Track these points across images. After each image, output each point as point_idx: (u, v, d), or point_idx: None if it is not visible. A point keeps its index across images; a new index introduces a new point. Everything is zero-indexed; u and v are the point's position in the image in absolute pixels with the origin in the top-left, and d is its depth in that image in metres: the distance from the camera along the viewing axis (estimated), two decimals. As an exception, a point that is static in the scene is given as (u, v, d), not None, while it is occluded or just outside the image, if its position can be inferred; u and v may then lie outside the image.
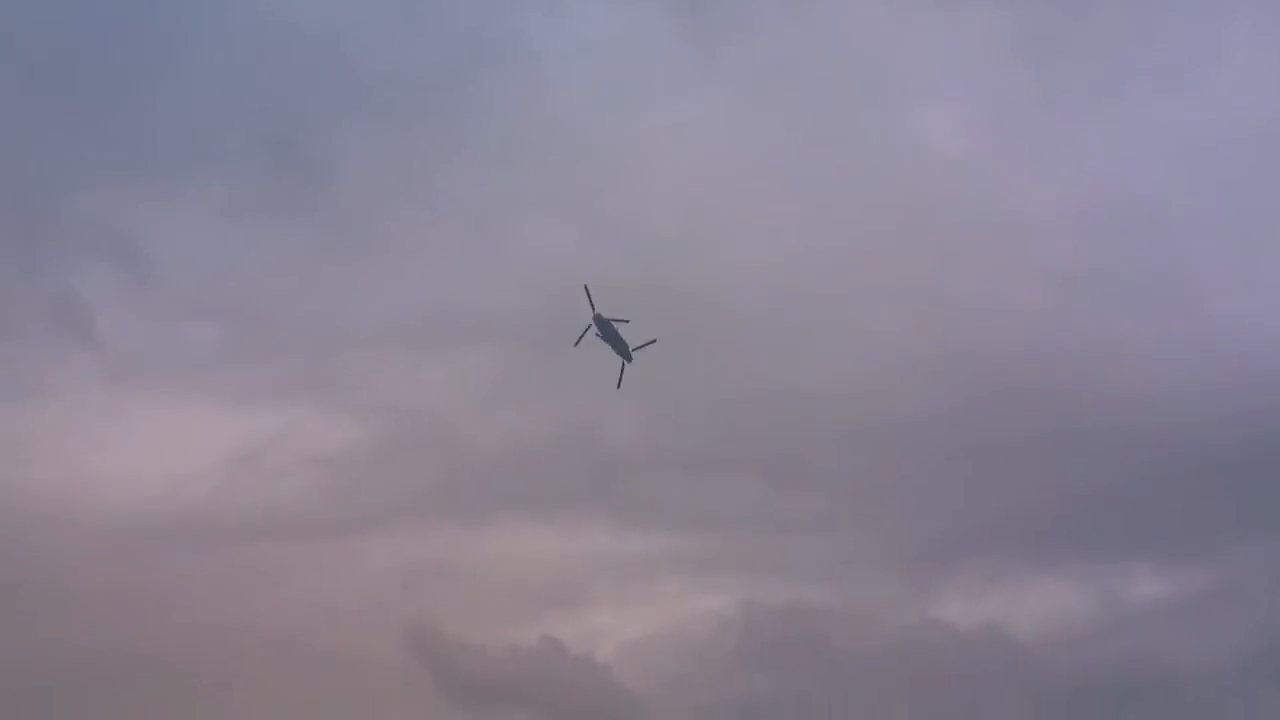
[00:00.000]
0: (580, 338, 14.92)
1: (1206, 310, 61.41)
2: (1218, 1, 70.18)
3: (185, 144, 64.61)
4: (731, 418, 61.92)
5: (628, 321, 17.69)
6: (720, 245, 62.72)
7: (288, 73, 65.63)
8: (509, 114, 63.62)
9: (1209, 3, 70.88)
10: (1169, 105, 64.90)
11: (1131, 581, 60.62)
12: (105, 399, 63.67)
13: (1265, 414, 56.94)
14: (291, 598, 60.55)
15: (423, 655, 55.98)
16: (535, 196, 62.29)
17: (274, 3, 66.68)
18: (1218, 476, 57.61)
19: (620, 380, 13.73)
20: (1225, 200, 65.42)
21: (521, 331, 59.77)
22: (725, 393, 61.68)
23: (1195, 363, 59.69)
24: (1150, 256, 62.53)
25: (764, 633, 61.50)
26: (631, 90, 64.95)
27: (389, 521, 61.09)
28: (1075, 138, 65.82)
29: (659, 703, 60.17)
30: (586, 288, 17.50)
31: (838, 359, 62.34)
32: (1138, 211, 62.59)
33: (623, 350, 15.71)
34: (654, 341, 15.04)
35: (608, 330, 14.91)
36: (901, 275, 63.24)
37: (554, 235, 62.11)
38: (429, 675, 57.71)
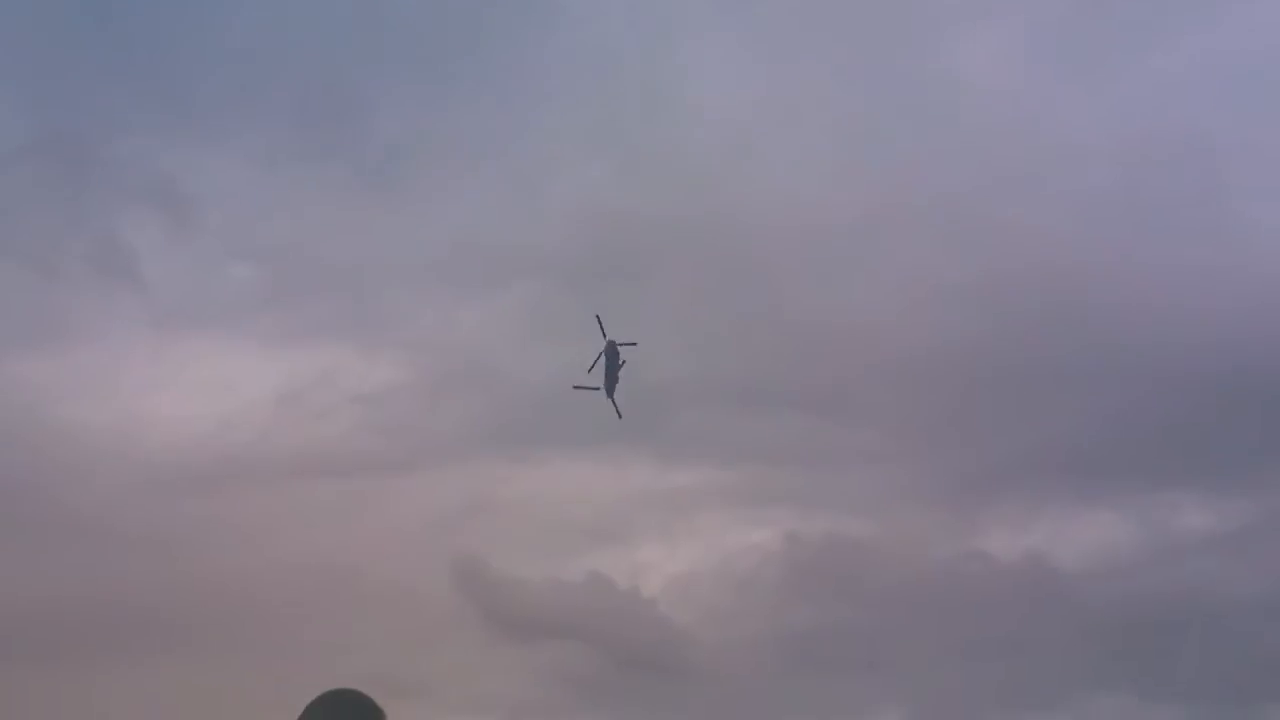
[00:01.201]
0: (593, 365, 14.64)
1: (1251, 236, 60.86)
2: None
3: (225, 87, 64.77)
4: (772, 350, 61.99)
5: (635, 344, 17.34)
6: (758, 176, 62.48)
7: (324, 15, 65.57)
8: (542, 48, 63.41)
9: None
10: (1213, 32, 63.95)
11: (1178, 512, 60.52)
12: (151, 342, 64.43)
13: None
14: (338, 536, 61.39)
15: (470, 591, 56.69)
16: (570, 131, 62.21)
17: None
18: (1266, 406, 57.37)
19: (615, 404, 13.39)
20: (1270, 126, 64.59)
21: (560, 266, 59.94)
22: (766, 325, 61.73)
23: (1241, 290, 59.22)
24: (1192, 182, 61.87)
25: (807, 565, 61.92)
26: (666, 21, 64.53)
27: (433, 459, 61.70)
28: (1116, 63, 65.02)
29: (704, 635, 60.79)
30: (599, 317, 17.35)
31: (878, 289, 62.22)
32: (1179, 137, 61.84)
33: (612, 383, 15.38)
34: (634, 344, 14.82)
35: (613, 359, 14.67)
36: (942, 204, 62.89)
37: (590, 170, 62.13)
38: (476, 610, 58.48)
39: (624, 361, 12.36)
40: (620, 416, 12.43)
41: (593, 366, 12.45)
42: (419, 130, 63.74)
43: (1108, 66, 64.60)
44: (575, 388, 12.49)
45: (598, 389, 12.58)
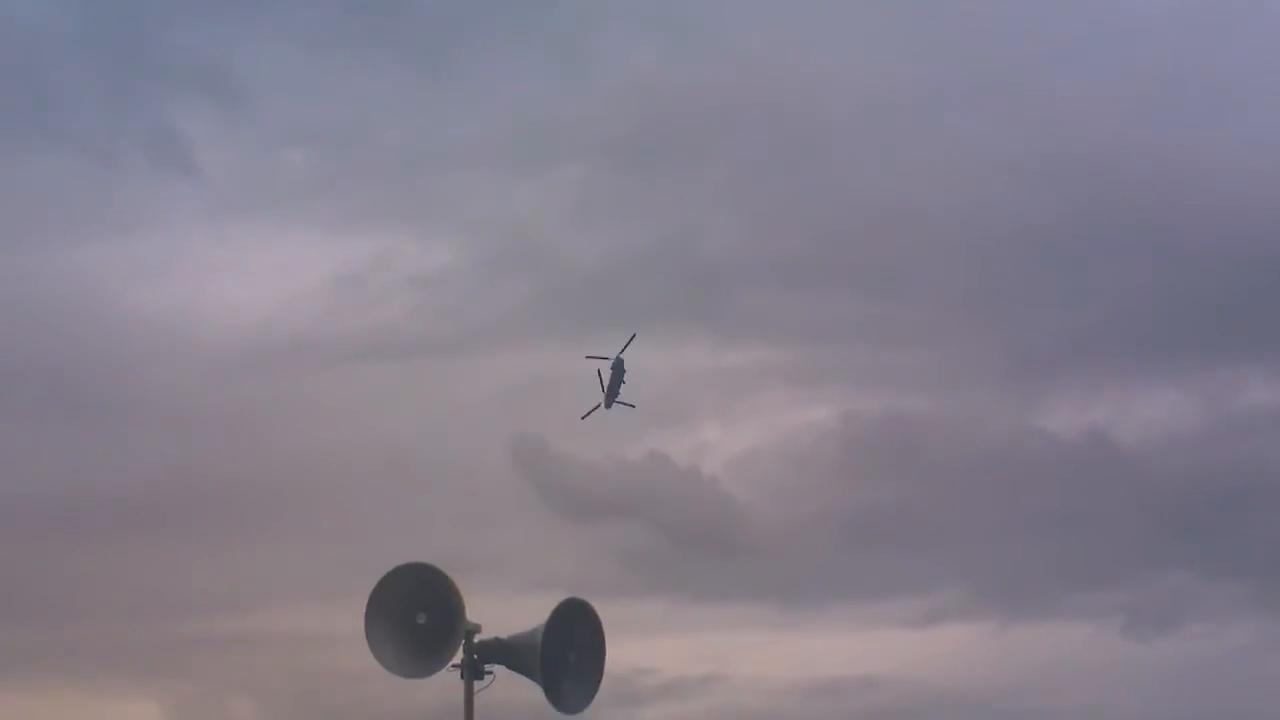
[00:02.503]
0: (605, 383, 14.46)
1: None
2: None
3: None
4: (828, 228, 61.63)
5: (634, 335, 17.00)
6: (808, 52, 61.65)
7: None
8: (594, -77, 62.56)
9: None
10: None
11: (1242, 388, 59.98)
12: (208, 228, 64.92)
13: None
14: (398, 418, 62.07)
15: (529, 471, 57.28)
16: (618, 10, 61.55)
17: None
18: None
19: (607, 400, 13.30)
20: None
21: (610, 146, 59.63)
22: (819, 203, 61.31)
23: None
24: (1258, 55, 60.59)
25: (865, 443, 62.00)
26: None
27: (490, 340, 62.07)
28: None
29: (764, 512, 61.19)
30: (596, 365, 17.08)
31: (931, 166, 61.51)
32: (1240, 8, 60.54)
33: (612, 398, 15.28)
34: (633, 336, 14.76)
35: (618, 375, 14.54)
36: (994, 79, 61.93)
37: (638, 48, 61.57)
38: (536, 491, 59.17)
39: (624, 381, 12.52)
40: (607, 406, 12.60)
41: (606, 384, 12.44)
42: (471, 10, 63.37)
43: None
44: (588, 358, 12.59)
45: (606, 358, 12.67)
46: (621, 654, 13.42)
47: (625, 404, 12.35)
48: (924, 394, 63.58)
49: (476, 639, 13.55)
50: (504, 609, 13.82)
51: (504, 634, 13.73)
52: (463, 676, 13.42)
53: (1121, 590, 59.51)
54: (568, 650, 13.45)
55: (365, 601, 13.25)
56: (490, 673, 13.58)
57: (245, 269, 66.51)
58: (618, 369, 12.19)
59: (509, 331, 62.51)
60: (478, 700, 13.55)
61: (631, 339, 12.45)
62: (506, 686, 13.71)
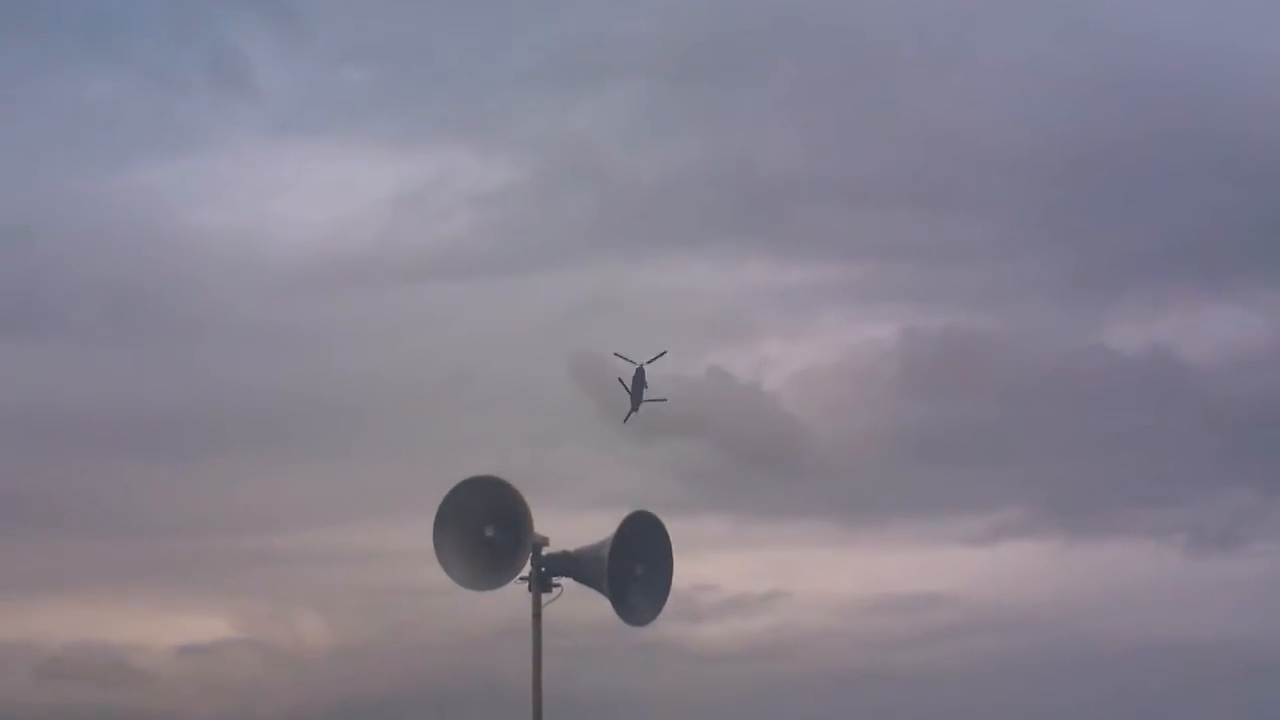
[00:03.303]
0: (632, 390, 14.35)
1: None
2: None
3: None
4: (887, 143, 60.94)
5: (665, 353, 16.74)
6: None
7: None
8: None
9: None
10: None
11: (1309, 305, 59.34)
12: (268, 147, 65.04)
13: None
14: (459, 336, 62.25)
15: (590, 389, 57.39)
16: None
17: None
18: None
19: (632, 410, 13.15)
20: None
21: (670, 62, 59.13)
22: (881, 119, 60.59)
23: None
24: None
25: (927, 360, 61.59)
26: None
27: (550, 258, 61.98)
28: None
29: (825, 429, 61.03)
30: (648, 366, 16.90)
31: (996, 83, 60.61)
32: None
33: (636, 404, 15.15)
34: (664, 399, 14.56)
35: (639, 384, 14.41)
36: (1052, -2, 60.92)
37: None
38: (597, 408, 59.29)
39: (647, 387, 12.43)
40: (628, 417, 12.57)
41: (633, 392, 12.36)
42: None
43: None
44: (616, 354, 12.50)
45: (633, 362, 12.56)
46: (684, 571, 13.43)
47: (657, 400, 12.32)
48: (986, 311, 63.03)
49: (544, 552, 13.61)
50: (567, 526, 13.87)
51: (570, 548, 13.79)
52: (531, 589, 13.49)
53: (1184, 508, 59.20)
54: (635, 562, 13.50)
55: (431, 516, 13.31)
56: (558, 585, 13.65)
57: (306, 188, 66.85)
58: (639, 378, 12.19)
59: (569, 248, 62.46)
60: (545, 613, 13.63)
61: (662, 354, 12.47)
62: (573, 600, 13.77)
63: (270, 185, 65.05)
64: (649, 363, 13.60)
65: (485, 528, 13.37)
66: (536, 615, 13.39)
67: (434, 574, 13.43)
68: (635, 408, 13.03)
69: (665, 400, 12.88)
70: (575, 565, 13.51)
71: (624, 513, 13.53)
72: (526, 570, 13.47)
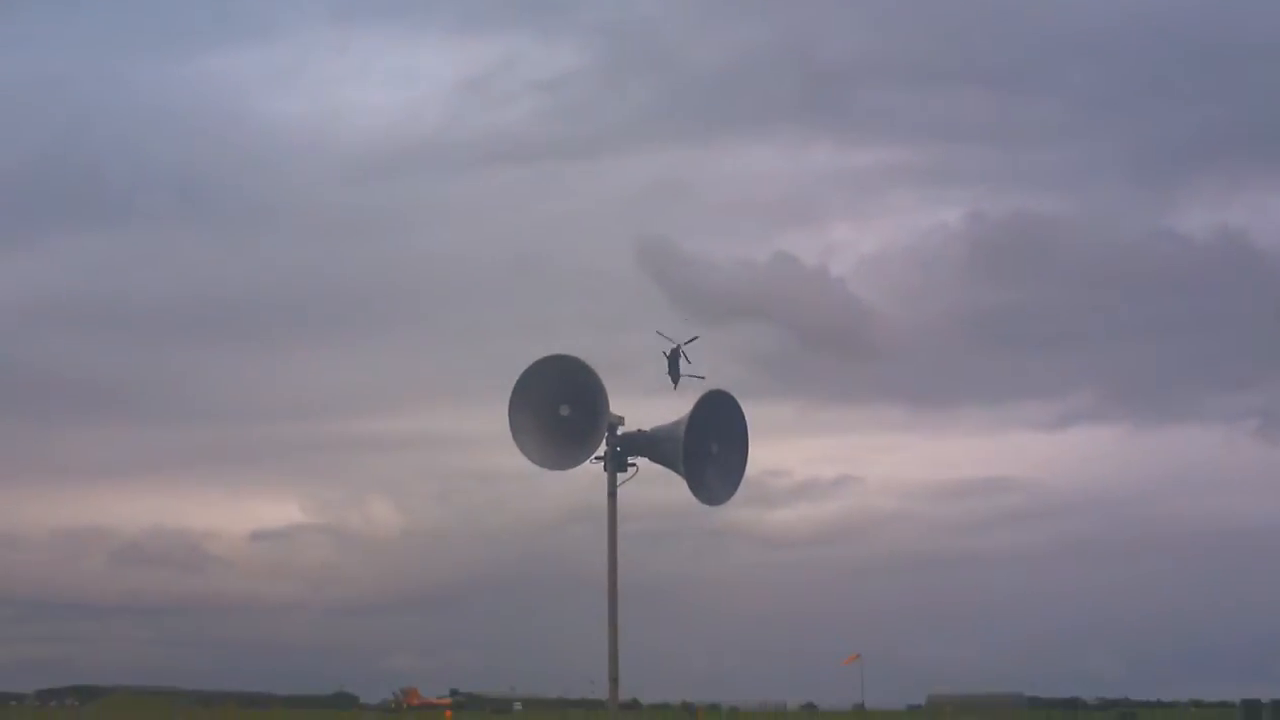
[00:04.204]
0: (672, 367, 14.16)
1: None
2: None
3: None
4: (954, 25, 59.95)
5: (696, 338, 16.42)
6: None
7: None
8: None
9: None
10: None
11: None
12: (334, 35, 65.12)
13: None
14: (526, 220, 62.65)
15: (656, 273, 57.37)
16: None
17: None
18: None
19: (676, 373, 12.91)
20: None
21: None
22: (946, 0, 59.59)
23: None
24: None
25: (994, 244, 61.16)
26: None
27: (616, 143, 61.79)
28: None
29: (893, 314, 60.94)
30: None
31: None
32: None
33: (676, 376, 14.79)
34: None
35: (675, 360, 14.08)
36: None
37: None
38: (663, 292, 59.29)
39: (690, 362, 12.31)
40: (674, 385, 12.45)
41: (671, 371, 12.22)
42: None
43: None
44: (658, 333, 12.38)
45: (673, 341, 12.43)
46: (753, 456, 13.36)
47: (695, 376, 12.21)
48: (1054, 194, 62.46)
49: (619, 431, 13.59)
50: (637, 409, 13.81)
51: (645, 427, 13.72)
52: (606, 468, 13.49)
53: (1255, 393, 58.65)
54: (711, 441, 13.45)
55: (501, 401, 13.27)
56: (633, 465, 13.62)
57: (371, 74, 66.99)
58: (674, 357, 12.10)
59: (633, 134, 62.29)
60: (619, 496, 13.61)
61: (694, 339, 12.34)
62: (647, 482, 13.74)
63: (337, 72, 65.40)
64: (686, 344, 13.45)
65: (561, 407, 13.35)
66: (612, 495, 13.41)
67: (506, 459, 13.41)
68: (675, 384, 13.02)
69: (703, 378, 12.88)
70: (651, 444, 13.48)
71: (691, 400, 13.45)
72: (602, 450, 13.45)
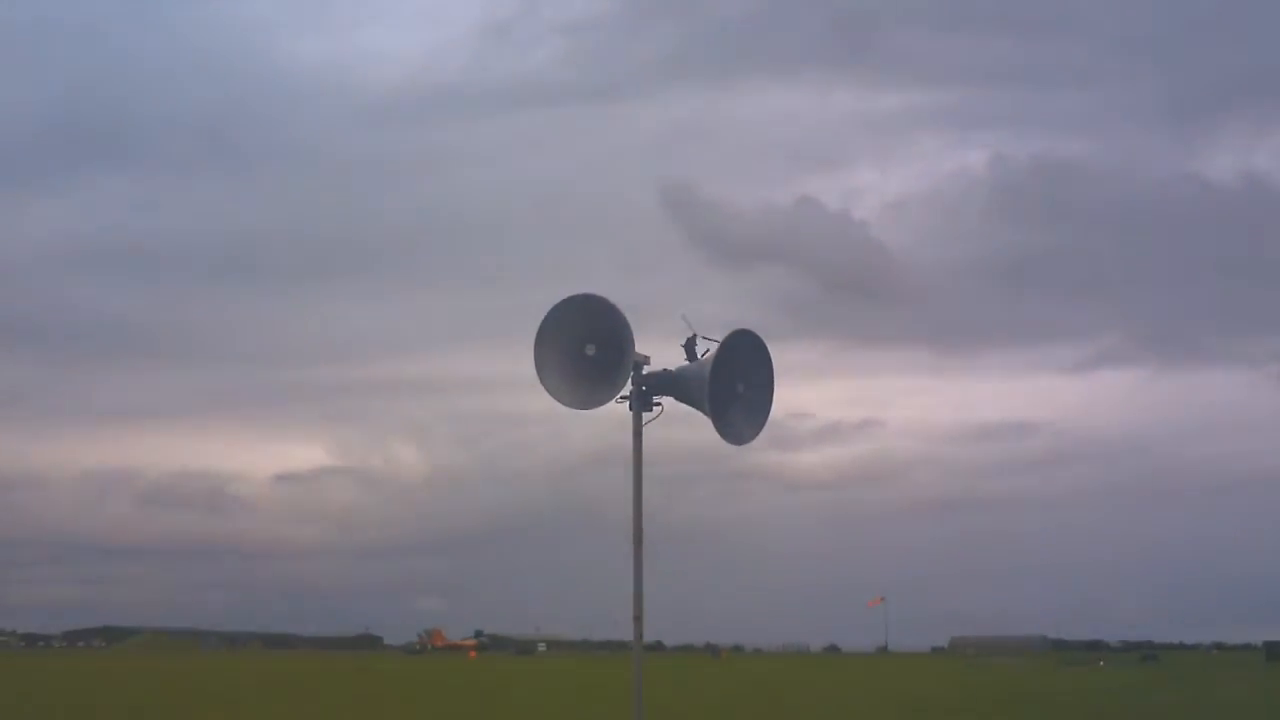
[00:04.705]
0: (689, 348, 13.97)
1: None
2: None
3: None
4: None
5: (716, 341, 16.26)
6: None
7: None
8: None
9: None
10: None
11: None
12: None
13: None
14: (548, 163, 62.63)
15: (679, 216, 57.26)
16: None
17: None
18: None
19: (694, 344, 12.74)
20: None
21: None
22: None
23: None
24: None
25: (1019, 188, 60.86)
26: None
27: (639, 86, 61.71)
28: None
29: (917, 258, 60.72)
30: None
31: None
32: None
33: (693, 357, 14.61)
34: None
35: (691, 348, 13.88)
36: None
37: None
38: (685, 235, 59.19)
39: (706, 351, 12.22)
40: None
41: (690, 354, 12.11)
42: None
43: None
44: (683, 316, 12.24)
45: (694, 334, 12.32)
46: (777, 398, 13.28)
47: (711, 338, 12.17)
48: (1079, 138, 62.21)
49: (644, 370, 13.51)
50: (661, 350, 13.73)
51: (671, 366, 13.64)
52: (631, 408, 13.43)
53: (1277, 337, 58.04)
54: (737, 380, 13.38)
55: (525, 344, 13.18)
56: (658, 404, 13.55)
57: (394, 18, 66.72)
58: (690, 344, 12.04)
59: (655, 78, 62.14)
60: (644, 439, 13.53)
61: (699, 337, 12.29)
62: (671, 424, 13.65)
63: (361, 15, 65.13)
64: (704, 338, 13.36)
65: (586, 346, 13.27)
66: (637, 434, 13.35)
67: (531, 402, 13.32)
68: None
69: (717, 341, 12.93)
70: (676, 383, 13.40)
71: (714, 342, 13.36)
72: (627, 389, 13.38)
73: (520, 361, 13.11)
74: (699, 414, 13.30)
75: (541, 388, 13.29)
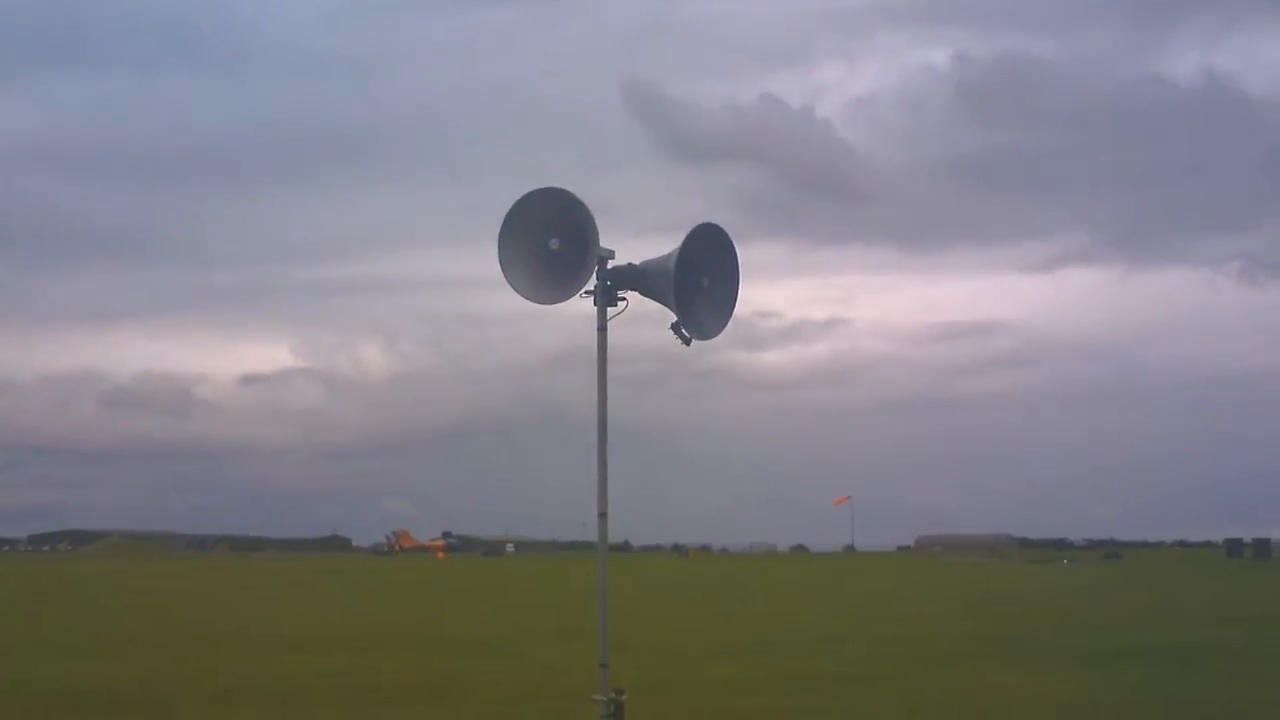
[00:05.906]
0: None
1: None
2: None
3: None
4: None
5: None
6: None
7: None
8: None
9: None
10: None
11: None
12: None
13: None
14: (510, 62, 61.70)
15: (642, 114, 56.80)
16: None
17: None
18: None
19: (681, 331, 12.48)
20: None
21: None
22: None
23: None
24: None
25: (982, 87, 60.44)
26: None
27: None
28: None
29: (881, 156, 60.47)
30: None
31: None
32: None
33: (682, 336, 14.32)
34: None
35: (678, 327, 13.71)
36: None
37: None
38: (650, 135, 58.72)
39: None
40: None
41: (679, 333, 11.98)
42: None
43: None
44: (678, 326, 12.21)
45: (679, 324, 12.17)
46: (743, 297, 13.28)
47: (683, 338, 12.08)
48: (1042, 35, 61.58)
49: (609, 265, 13.48)
50: (626, 248, 13.66)
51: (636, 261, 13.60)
52: (596, 303, 13.43)
53: (1240, 237, 58.48)
54: (702, 274, 13.35)
55: (490, 243, 13.10)
56: (623, 299, 13.54)
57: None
58: (677, 326, 11.96)
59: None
60: (610, 337, 13.52)
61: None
62: (637, 325, 13.64)
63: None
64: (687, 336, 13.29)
65: (550, 240, 13.24)
66: (602, 329, 13.37)
67: (497, 302, 13.29)
68: (688, 343, 12.90)
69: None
70: (640, 277, 13.38)
71: (683, 235, 13.32)
72: (592, 284, 13.36)
73: (486, 261, 13.05)
74: (666, 314, 13.29)
75: (507, 284, 13.25)
